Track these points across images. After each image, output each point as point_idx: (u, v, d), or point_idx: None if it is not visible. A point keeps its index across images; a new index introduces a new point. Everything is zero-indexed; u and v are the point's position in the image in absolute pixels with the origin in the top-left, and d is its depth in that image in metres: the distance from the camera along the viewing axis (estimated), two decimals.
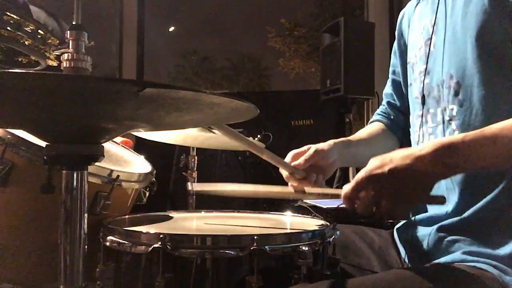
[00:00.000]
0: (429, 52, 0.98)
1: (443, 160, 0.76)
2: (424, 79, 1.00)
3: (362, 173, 0.80)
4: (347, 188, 0.81)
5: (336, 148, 1.07)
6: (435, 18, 0.97)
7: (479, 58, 0.86)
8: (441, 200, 0.82)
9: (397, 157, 0.78)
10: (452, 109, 0.91)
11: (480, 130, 0.77)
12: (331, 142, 1.08)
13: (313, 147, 1.04)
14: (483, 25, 0.86)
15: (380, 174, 0.77)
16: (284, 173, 1.04)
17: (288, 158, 1.04)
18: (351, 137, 1.20)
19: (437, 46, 0.97)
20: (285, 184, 1.05)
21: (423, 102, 0.99)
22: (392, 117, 1.24)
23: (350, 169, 2.68)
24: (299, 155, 1.04)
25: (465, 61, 0.89)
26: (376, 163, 0.79)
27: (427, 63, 0.99)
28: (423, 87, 0.99)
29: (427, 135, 0.99)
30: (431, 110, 0.98)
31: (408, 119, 1.12)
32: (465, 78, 0.89)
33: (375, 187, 0.78)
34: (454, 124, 0.91)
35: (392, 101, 1.24)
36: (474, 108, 0.88)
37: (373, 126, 1.25)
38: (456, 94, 0.90)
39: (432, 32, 0.98)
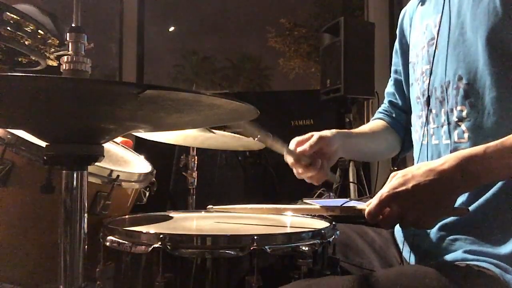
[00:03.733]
0: (434, 52, 0.98)
1: (466, 172, 0.77)
2: (428, 79, 0.99)
3: (385, 191, 0.81)
4: (371, 206, 0.83)
5: (338, 136, 1.08)
6: (441, 18, 0.97)
7: (491, 60, 0.86)
8: (464, 212, 0.83)
9: (419, 173, 0.79)
10: (461, 111, 0.91)
11: (500, 141, 0.78)
12: (333, 130, 1.09)
13: (317, 134, 1.05)
14: (494, 26, 0.85)
15: (403, 191, 0.79)
16: (290, 160, 1.05)
17: (292, 145, 1.05)
18: (353, 130, 1.21)
19: (440, 46, 0.96)
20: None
21: (428, 103, 0.99)
22: (394, 115, 1.24)
23: (350, 169, 2.68)
24: (303, 142, 1.04)
25: (476, 63, 0.88)
26: (398, 180, 0.80)
27: (432, 63, 0.98)
28: (428, 88, 0.99)
29: (429, 136, 0.99)
30: (433, 111, 0.98)
31: (409, 117, 1.12)
32: (476, 79, 0.88)
33: (399, 204, 0.79)
34: (463, 126, 0.90)
35: (394, 100, 1.24)
36: (485, 109, 0.87)
37: (375, 122, 1.26)
38: (466, 95, 0.90)
39: (438, 33, 0.97)
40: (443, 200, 0.79)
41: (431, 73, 0.98)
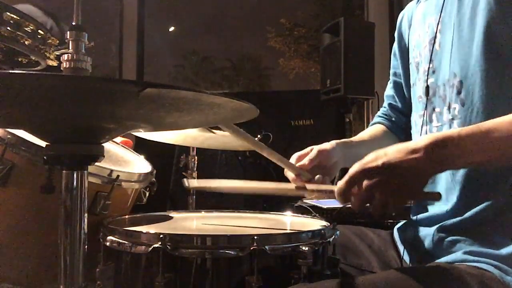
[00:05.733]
0: (432, 50, 0.98)
1: (437, 153, 0.75)
2: (428, 78, 0.99)
3: (356, 167, 0.79)
4: (341, 183, 0.81)
5: (338, 148, 1.07)
6: (440, 16, 0.97)
7: (483, 57, 0.86)
8: (436, 196, 0.80)
9: (392, 150, 0.77)
10: (454, 108, 0.91)
11: (477, 125, 0.77)
12: (333, 142, 1.08)
13: (316, 148, 1.04)
14: (489, 25, 0.85)
15: (374, 167, 0.76)
16: (290, 175, 1.03)
17: (292, 160, 1.04)
18: (353, 138, 1.20)
19: (443, 44, 0.96)
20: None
21: (428, 101, 0.99)
22: (393, 118, 1.24)
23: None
24: (302, 157, 1.04)
25: (468, 60, 0.88)
26: (370, 157, 0.78)
27: (431, 61, 0.98)
28: (428, 86, 0.99)
29: None
30: (437, 109, 0.97)
31: (409, 120, 1.12)
32: (467, 77, 0.88)
33: (369, 180, 0.77)
34: (455, 123, 0.91)
35: (394, 103, 1.24)
36: (475, 107, 0.87)
37: (374, 128, 1.25)
38: (459, 93, 0.90)
39: (437, 31, 0.97)
40: (413, 180, 0.77)
41: (432, 72, 0.98)
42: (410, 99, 1.13)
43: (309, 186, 0.94)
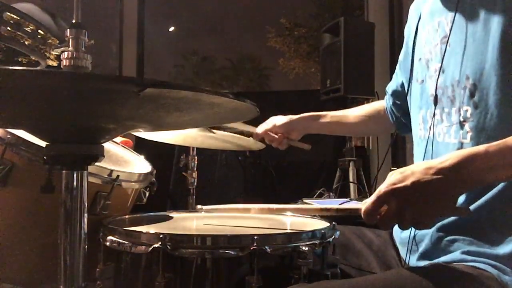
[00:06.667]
0: (445, 50, 0.97)
1: (466, 171, 0.75)
2: (438, 77, 0.98)
3: (383, 187, 0.78)
4: (368, 203, 0.80)
5: (298, 122, 1.43)
6: (454, 16, 0.95)
7: (500, 61, 0.85)
8: (464, 212, 0.81)
9: (419, 169, 0.77)
10: (466, 111, 0.90)
11: (503, 141, 0.77)
12: (292, 116, 1.44)
13: (272, 121, 1.45)
14: (505, 29, 0.84)
15: (402, 187, 0.76)
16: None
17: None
18: (330, 112, 1.47)
19: (453, 45, 0.95)
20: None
21: (435, 101, 0.99)
22: (391, 102, 1.29)
23: (350, 169, 2.68)
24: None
25: (484, 63, 0.87)
26: (397, 177, 0.78)
27: (443, 61, 0.97)
28: (436, 86, 0.98)
29: (442, 134, 0.97)
30: (445, 110, 0.96)
31: (400, 114, 1.14)
32: (482, 80, 0.87)
33: (397, 200, 0.77)
34: (467, 126, 0.90)
35: (391, 96, 1.29)
36: (489, 110, 0.86)
37: (373, 105, 1.41)
38: (472, 95, 0.89)
39: (450, 30, 0.96)
40: (443, 198, 0.77)
41: (443, 71, 0.97)
42: (409, 95, 1.13)
43: (332, 207, 0.94)
